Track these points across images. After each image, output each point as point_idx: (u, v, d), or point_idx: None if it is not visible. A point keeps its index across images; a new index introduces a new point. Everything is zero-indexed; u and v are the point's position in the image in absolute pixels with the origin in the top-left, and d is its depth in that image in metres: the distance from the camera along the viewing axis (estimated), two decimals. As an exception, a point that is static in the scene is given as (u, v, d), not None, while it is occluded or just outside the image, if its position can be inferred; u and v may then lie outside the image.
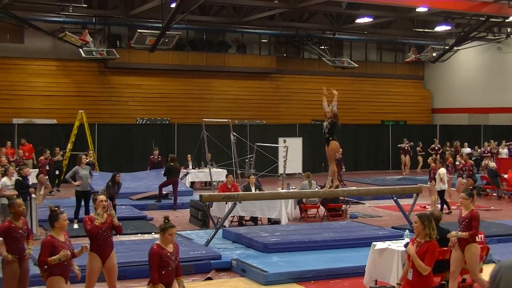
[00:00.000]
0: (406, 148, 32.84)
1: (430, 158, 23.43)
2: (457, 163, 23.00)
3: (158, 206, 20.57)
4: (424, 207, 20.03)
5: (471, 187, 10.45)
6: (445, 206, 19.47)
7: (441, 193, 19.36)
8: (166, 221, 8.01)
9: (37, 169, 22.66)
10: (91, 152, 25.27)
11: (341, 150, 26.51)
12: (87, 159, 18.80)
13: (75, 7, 28.74)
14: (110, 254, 9.04)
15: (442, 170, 19.27)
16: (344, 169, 26.92)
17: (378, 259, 10.63)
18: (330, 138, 13.44)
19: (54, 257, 7.99)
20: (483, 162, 26.86)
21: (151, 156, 25.92)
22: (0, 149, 22.79)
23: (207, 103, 34.91)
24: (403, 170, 32.92)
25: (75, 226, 15.96)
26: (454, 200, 21.19)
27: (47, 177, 21.84)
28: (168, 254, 7.83)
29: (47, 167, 22.71)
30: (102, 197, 9.20)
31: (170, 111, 34.47)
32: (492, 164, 24.43)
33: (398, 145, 33.24)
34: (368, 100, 39.69)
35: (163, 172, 21.32)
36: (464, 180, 20.98)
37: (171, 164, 20.64)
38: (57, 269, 8.08)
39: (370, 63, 41.02)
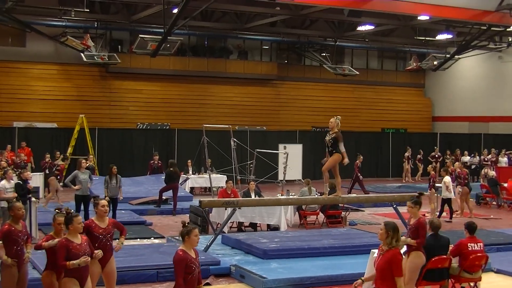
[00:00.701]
0: (408, 156, 33.00)
1: (430, 166, 23.46)
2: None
3: (158, 211, 20.57)
4: (424, 215, 19.97)
5: (417, 194, 10.29)
6: (444, 214, 19.48)
7: (445, 201, 19.30)
8: (187, 224, 7.86)
9: (37, 173, 22.74)
10: (91, 156, 25.29)
11: (361, 157, 26.34)
12: (87, 163, 18.80)
13: (77, 12, 28.74)
14: (109, 259, 9.04)
15: (447, 179, 19.26)
16: (360, 177, 26.22)
17: (377, 266, 10.62)
18: (334, 151, 13.48)
19: (74, 262, 8.01)
20: (482, 170, 26.85)
21: (151, 161, 25.96)
22: (2, 152, 22.80)
23: (208, 108, 34.92)
24: (403, 178, 32.99)
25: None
26: (455, 208, 21.24)
27: (61, 183, 21.83)
28: (192, 259, 7.64)
29: (47, 171, 22.72)
30: (104, 202, 9.19)
31: (170, 116, 34.50)
32: (492, 173, 24.43)
33: (406, 154, 33.22)
34: (368, 107, 39.72)
35: (163, 177, 21.32)
36: (459, 189, 20.94)
37: (171, 169, 20.64)
38: (72, 272, 8.10)
39: (371, 71, 41.05)
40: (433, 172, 21.24)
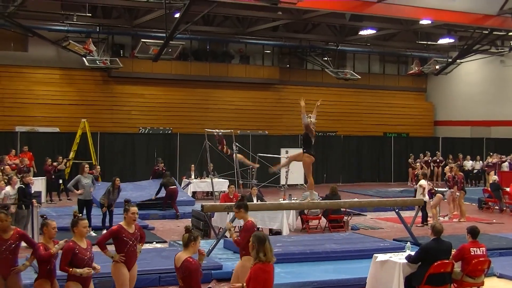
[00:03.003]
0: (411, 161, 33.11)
1: (421, 173, 23.53)
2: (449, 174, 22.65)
3: (160, 215, 20.57)
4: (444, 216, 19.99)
5: (240, 197, 9.93)
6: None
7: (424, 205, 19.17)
8: (192, 229, 7.76)
9: (39, 178, 22.76)
10: (98, 167, 24.71)
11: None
12: (93, 172, 18.61)
13: (79, 16, 28.81)
14: (134, 264, 9.10)
15: (423, 182, 19.26)
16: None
17: (379, 271, 10.62)
18: (304, 151, 13.36)
19: (77, 270, 8.02)
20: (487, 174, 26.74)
21: (156, 167, 25.74)
22: (3, 157, 22.77)
23: (210, 113, 34.91)
24: (410, 182, 33.15)
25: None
26: (457, 213, 21.25)
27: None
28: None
29: (53, 176, 22.71)
30: (134, 209, 9.11)
31: (172, 120, 34.50)
32: (494, 177, 24.40)
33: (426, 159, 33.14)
34: (370, 112, 39.72)
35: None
36: (457, 193, 20.93)
37: (164, 180, 21.09)
38: (76, 276, 8.11)
39: (373, 75, 41.05)
40: (449, 174, 21.32)
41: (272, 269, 7.27)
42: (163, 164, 25.85)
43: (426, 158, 32.98)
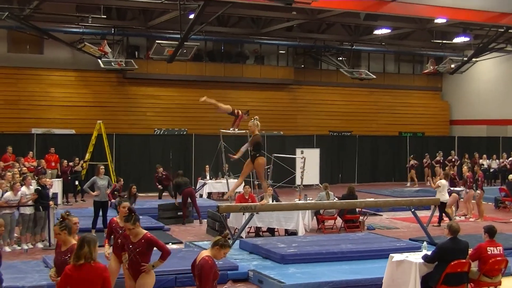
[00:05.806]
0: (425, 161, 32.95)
1: (437, 177, 23.35)
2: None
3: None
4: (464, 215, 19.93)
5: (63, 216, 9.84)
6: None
7: (442, 205, 19.03)
8: (228, 238, 7.69)
9: (55, 179, 22.87)
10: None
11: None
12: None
13: (94, 18, 28.91)
14: (139, 275, 8.76)
15: (442, 182, 19.15)
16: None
17: (395, 271, 10.59)
18: (257, 155, 13.32)
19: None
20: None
21: (156, 174, 24.31)
22: (19, 159, 22.88)
23: (225, 113, 34.81)
24: (425, 182, 32.96)
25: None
26: (475, 212, 21.17)
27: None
28: (218, 268, 7.56)
29: (69, 177, 22.64)
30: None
31: (188, 121, 34.54)
32: (511, 176, 24.25)
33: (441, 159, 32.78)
34: (386, 111, 39.62)
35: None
36: (478, 191, 20.83)
37: (177, 179, 20.46)
38: None
39: (388, 75, 40.92)
40: (468, 174, 21.21)
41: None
42: (161, 169, 24.25)
43: (438, 158, 32.73)
